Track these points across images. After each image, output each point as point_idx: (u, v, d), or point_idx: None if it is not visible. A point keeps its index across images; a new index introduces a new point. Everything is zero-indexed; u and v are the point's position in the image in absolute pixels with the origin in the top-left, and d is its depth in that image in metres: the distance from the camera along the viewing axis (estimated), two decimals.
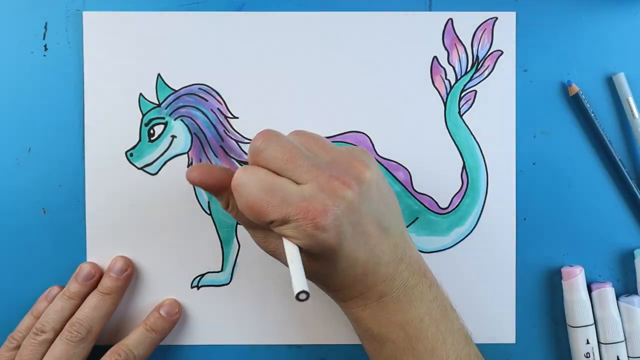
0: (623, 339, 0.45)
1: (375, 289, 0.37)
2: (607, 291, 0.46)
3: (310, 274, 0.36)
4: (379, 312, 0.38)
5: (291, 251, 0.35)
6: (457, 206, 0.47)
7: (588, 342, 0.45)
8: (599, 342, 0.46)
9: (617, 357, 0.45)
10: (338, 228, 0.34)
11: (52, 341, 0.43)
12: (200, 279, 0.47)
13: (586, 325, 0.45)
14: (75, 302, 0.45)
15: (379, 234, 0.37)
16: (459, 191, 0.47)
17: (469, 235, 0.47)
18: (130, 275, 0.46)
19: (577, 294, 0.46)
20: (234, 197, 0.37)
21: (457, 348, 0.38)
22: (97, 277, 0.46)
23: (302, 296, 0.32)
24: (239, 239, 0.47)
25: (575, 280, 0.46)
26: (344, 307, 0.40)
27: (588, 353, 0.45)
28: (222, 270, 0.47)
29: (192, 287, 0.47)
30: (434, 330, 0.38)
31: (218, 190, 0.38)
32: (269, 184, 0.35)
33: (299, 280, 0.33)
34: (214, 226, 0.47)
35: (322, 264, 0.36)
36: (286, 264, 0.35)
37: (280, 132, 0.37)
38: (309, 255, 0.36)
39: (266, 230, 0.38)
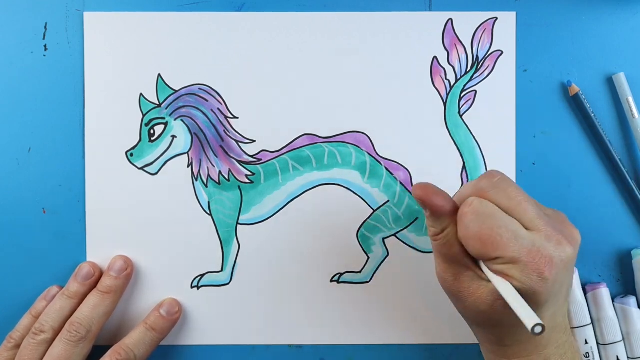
0: (621, 338, 0.45)
1: (544, 352, 0.37)
2: (602, 292, 0.46)
3: (495, 322, 0.36)
4: None
5: (508, 289, 0.34)
6: None
7: (587, 342, 0.45)
8: (597, 343, 0.46)
9: (617, 357, 0.45)
10: (555, 282, 0.34)
11: (51, 341, 0.43)
12: (200, 279, 0.47)
13: (583, 326, 0.45)
14: (74, 301, 0.45)
15: (564, 299, 0.37)
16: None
17: None
18: (130, 274, 0.46)
19: (571, 295, 0.45)
20: (452, 224, 0.37)
21: None
22: (96, 276, 0.46)
23: (538, 329, 0.32)
24: (239, 239, 0.47)
25: None
26: None
27: (587, 353, 0.45)
28: (222, 270, 0.47)
29: (192, 287, 0.47)
30: None
31: (442, 212, 0.37)
32: (503, 220, 0.35)
33: (530, 313, 0.33)
34: (214, 226, 0.47)
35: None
36: (463, 306, 0.37)
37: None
38: None
39: (462, 268, 0.37)
